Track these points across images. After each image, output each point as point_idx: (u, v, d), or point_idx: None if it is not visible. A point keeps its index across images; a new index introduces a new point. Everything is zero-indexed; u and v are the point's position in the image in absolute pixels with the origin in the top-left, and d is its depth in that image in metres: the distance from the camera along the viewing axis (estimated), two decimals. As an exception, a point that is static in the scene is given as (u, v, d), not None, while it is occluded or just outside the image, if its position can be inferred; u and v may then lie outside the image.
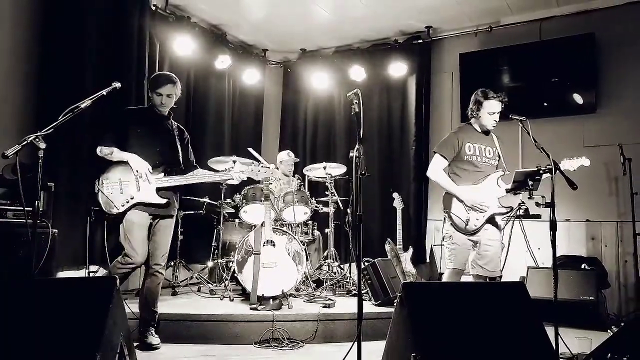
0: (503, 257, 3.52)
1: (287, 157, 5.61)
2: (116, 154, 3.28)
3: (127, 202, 3.25)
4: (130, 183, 3.27)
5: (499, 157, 3.65)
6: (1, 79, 4.11)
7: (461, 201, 3.46)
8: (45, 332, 2.06)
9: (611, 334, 3.65)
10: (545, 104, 5.44)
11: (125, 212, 3.26)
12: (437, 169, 3.56)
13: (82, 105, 2.88)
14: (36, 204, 2.56)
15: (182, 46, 5.46)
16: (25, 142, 2.53)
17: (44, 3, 4.33)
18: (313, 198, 5.05)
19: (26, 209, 2.71)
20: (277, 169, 5.69)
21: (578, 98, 5.29)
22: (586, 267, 4.77)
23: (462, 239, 3.46)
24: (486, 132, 3.62)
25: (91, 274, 4.14)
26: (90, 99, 2.95)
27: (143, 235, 3.33)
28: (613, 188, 5.13)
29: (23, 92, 4.22)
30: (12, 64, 4.17)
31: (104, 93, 3.04)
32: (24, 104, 4.20)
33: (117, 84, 3.09)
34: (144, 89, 4.91)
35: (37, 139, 2.56)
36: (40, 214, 2.84)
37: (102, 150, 3.29)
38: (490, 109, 3.52)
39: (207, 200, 5.08)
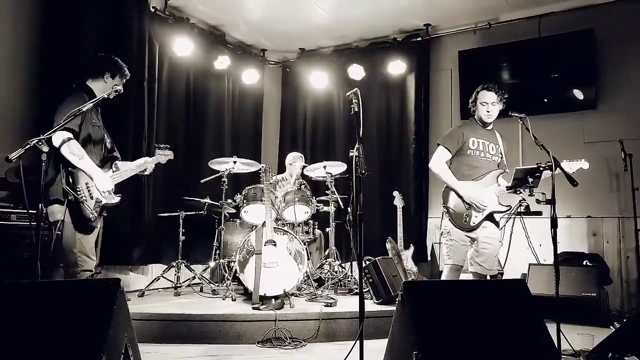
0: (503, 254, 3.51)
1: (299, 160, 5.59)
2: (86, 163, 3.05)
3: (98, 208, 3.10)
4: (94, 187, 3.11)
5: (502, 155, 3.64)
6: (2, 82, 4.12)
7: (460, 196, 3.45)
8: (50, 334, 2.07)
9: (613, 330, 3.66)
10: (545, 101, 5.43)
11: (97, 219, 3.10)
12: (440, 159, 3.54)
13: (84, 109, 2.90)
14: (40, 206, 2.58)
15: (182, 47, 5.49)
16: (29, 145, 2.54)
17: (43, 5, 4.34)
18: (314, 197, 5.06)
19: (30, 211, 2.72)
20: (286, 169, 5.70)
21: (578, 94, 5.28)
22: (588, 263, 4.76)
23: (460, 235, 3.44)
24: (485, 125, 3.59)
25: (95, 276, 4.14)
26: (92, 102, 2.96)
27: (95, 239, 3.21)
28: (614, 184, 5.13)
29: (23, 94, 4.23)
30: (13, 67, 4.18)
31: (105, 96, 3.05)
32: (24, 107, 4.21)
33: (119, 87, 3.10)
34: (144, 91, 4.93)
35: (40, 143, 2.58)
36: (43, 217, 2.85)
37: (72, 149, 2.96)
38: (483, 99, 3.52)
39: (208, 200, 5.09)
